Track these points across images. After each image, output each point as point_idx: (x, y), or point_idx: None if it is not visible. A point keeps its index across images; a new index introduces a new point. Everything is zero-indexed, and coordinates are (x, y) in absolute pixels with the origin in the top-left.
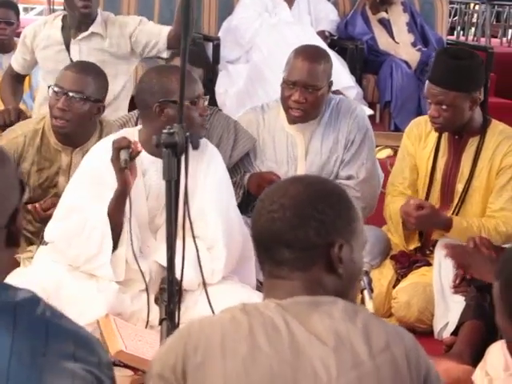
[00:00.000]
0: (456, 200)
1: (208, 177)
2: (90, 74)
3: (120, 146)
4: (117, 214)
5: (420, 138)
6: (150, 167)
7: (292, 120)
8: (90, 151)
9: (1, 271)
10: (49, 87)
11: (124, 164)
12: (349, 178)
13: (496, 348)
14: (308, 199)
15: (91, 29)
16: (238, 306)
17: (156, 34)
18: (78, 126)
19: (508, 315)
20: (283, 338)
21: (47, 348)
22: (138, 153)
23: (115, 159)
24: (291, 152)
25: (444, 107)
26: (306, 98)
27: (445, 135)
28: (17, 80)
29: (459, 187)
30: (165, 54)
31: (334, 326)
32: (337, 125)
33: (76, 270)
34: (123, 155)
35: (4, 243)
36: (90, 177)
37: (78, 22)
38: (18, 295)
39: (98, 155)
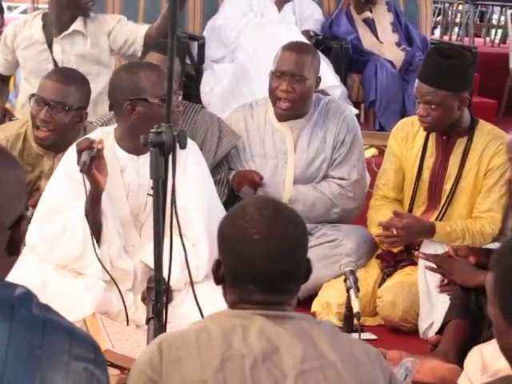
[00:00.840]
0: (443, 200)
1: (187, 174)
2: (72, 83)
3: (80, 149)
4: (93, 214)
5: (407, 139)
6: (127, 165)
7: (280, 115)
8: (67, 151)
9: (1, 275)
10: (30, 97)
11: (81, 166)
12: (341, 179)
13: (474, 352)
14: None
15: (73, 27)
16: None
17: (134, 33)
18: (61, 135)
19: (500, 308)
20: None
21: (43, 341)
22: (99, 151)
23: (77, 162)
24: (280, 146)
25: (433, 106)
26: (293, 88)
27: (432, 136)
28: (1, 80)
29: (447, 188)
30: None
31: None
32: (325, 125)
33: (63, 268)
34: (83, 157)
35: (5, 250)
36: (67, 176)
37: (61, 18)
38: (15, 292)
39: (74, 154)
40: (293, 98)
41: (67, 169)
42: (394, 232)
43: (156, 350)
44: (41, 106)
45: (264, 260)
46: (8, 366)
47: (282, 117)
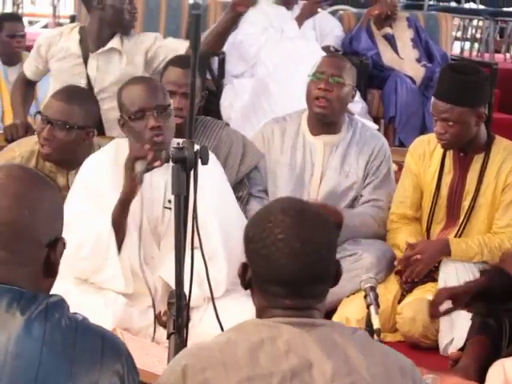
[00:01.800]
0: (462, 217)
1: (206, 186)
2: (75, 102)
3: (137, 156)
4: (120, 223)
5: (424, 157)
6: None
7: (314, 120)
8: (82, 167)
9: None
10: (35, 114)
11: (139, 176)
12: (376, 200)
13: (497, 366)
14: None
15: (110, 44)
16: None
17: (173, 50)
18: (64, 153)
19: None
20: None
21: (76, 341)
22: (154, 167)
23: (129, 168)
24: (309, 158)
25: (450, 123)
26: (332, 87)
27: (449, 153)
28: (28, 85)
29: (465, 204)
30: None
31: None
32: (359, 147)
33: (83, 283)
34: (139, 166)
35: (42, 268)
36: (86, 191)
37: (100, 33)
38: (51, 298)
39: (91, 169)
40: (330, 97)
41: (88, 187)
42: (418, 257)
43: (180, 375)
44: (44, 124)
45: (289, 261)
46: (43, 362)
47: (314, 129)
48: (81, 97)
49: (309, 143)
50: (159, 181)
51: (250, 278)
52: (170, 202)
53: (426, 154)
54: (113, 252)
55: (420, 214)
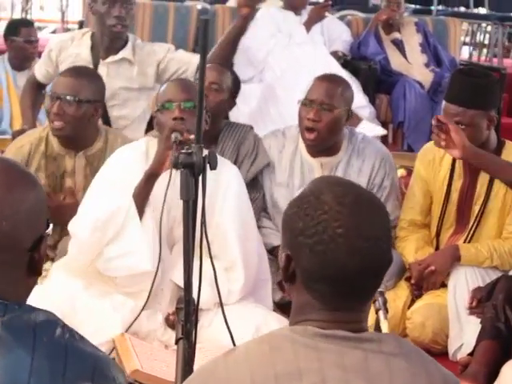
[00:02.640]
0: (471, 222)
1: (227, 197)
2: (83, 77)
3: (174, 128)
4: (141, 199)
5: (433, 163)
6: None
7: (309, 148)
8: (110, 158)
9: (23, 297)
10: (45, 93)
11: (174, 139)
12: None
13: (509, 366)
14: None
15: (121, 54)
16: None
17: (186, 62)
18: (76, 128)
19: None
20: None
21: (66, 369)
22: (189, 141)
23: (165, 138)
24: (308, 179)
25: (462, 127)
26: (320, 117)
27: None
28: (38, 88)
29: (476, 209)
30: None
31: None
32: (358, 166)
33: (91, 286)
34: (174, 136)
35: (25, 270)
36: (111, 182)
37: (108, 42)
38: (38, 317)
39: (120, 161)
40: (319, 127)
41: (111, 176)
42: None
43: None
44: (54, 100)
45: (349, 259)
46: None
47: (312, 150)
48: (88, 73)
49: (307, 164)
50: (177, 183)
51: (294, 271)
52: None
53: (436, 159)
54: (135, 222)
55: (429, 220)
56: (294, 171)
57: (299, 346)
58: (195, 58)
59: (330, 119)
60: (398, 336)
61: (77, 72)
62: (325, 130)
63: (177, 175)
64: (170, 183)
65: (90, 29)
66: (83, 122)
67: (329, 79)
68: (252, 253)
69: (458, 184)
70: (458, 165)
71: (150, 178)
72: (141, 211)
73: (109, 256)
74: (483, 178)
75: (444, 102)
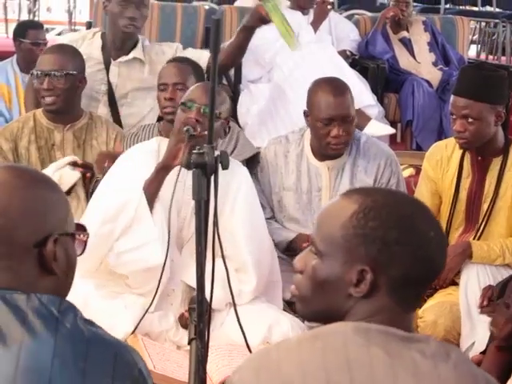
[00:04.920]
0: (480, 220)
1: (238, 198)
2: (66, 53)
3: (187, 122)
4: (152, 192)
5: (441, 162)
6: (171, 177)
7: (331, 154)
8: (122, 155)
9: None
10: (31, 74)
11: (186, 130)
12: None
13: None
14: None
15: (133, 54)
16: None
17: (197, 58)
18: (65, 100)
19: None
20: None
21: (88, 354)
22: (201, 136)
23: (177, 131)
24: (315, 183)
25: (470, 120)
26: (344, 130)
27: (467, 157)
28: None
29: (485, 207)
30: None
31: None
32: (364, 167)
33: (104, 287)
34: (186, 129)
35: (38, 269)
36: (120, 181)
37: (119, 42)
38: (61, 306)
39: (132, 158)
40: (346, 139)
41: (122, 171)
42: None
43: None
44: (42, 78)
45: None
46: (54, 375)
47: (332, 156)
48: (69, 48)
49: (313, 167)
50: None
51: (373, 283)
52: None
53: (444, 159)
54: (146, 215)
55: (438, 219)
56: (302, 175)
57: (351, 338)
58: (203, 55)
59: (352, 129)
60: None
61: (58, 48)
62: (349, 139)
63: (187, 174)
64: (177, 180)
65: (101, 29)
66: (71, 93)
67: (337, 91)
68: (264, 254)
69: (466, 183)
70: (466, 164)
71: (161, 170)
72: (151, 205)
73: (119, 250)
74: (491, 177)
75: (452, 97)
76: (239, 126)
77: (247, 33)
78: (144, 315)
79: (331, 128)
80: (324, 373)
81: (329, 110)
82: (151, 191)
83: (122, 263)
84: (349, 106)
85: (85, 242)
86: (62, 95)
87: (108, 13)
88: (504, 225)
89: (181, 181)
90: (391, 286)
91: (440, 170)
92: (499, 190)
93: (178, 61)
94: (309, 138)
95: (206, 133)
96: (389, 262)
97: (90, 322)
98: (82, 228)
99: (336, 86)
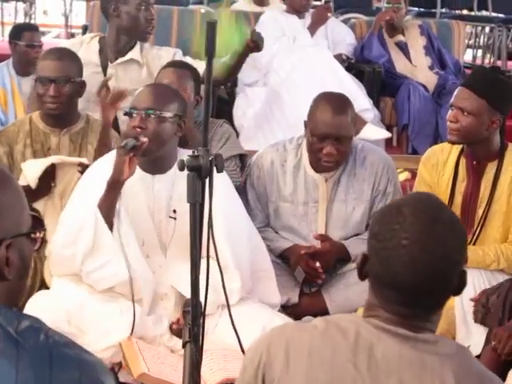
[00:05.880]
0: (476, 225)
1: (214, 197)
2: (68, 58)
3: (127, 134)
4: (107, 208)
5: (437, 166)
6: (141, 184)
7: (320, 169)
8: (89, 169)
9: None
10: (36, 80)
11: (126, 146)
12: None
13: None
14: None
15: (130, 55)
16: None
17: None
18: (67, 106)
19: None
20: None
21: (52, 377)
22: (143, 144)
23: (118, 146)
24: (312, 194)
25: (465, 113)
26: (337, 149)
27: (463, 161)
28: None
29: (480, 212)
30: None
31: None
32: (361, 175)
33: (98, 292)
34: (128, 141)
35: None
36: (84, 195)
37: (123, 43)
38: (20, 325)
39: (94, 172)
40: (337, 158)
41: (88, 187)
42: None
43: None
44: (47, 84)
45: (407, 271)
46: None
47: (323, 170)
48: (70, 53)
49: (311, 179)
50: (160, 189)
51: (367, 271)
52: (174, 211)
53: (439, 163)
54: (105, 233)
55: None
56: (298, 187)
57: (361, 327)
58: (201, 64)
59: (347, 148)
60: (454, 340)
61: (61, 54)
62: (342, 158)
63: (152, 180)
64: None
65: (99, 33)
66: (73, 99)
67: (336, 110)
68: (243, 251)
69: (461, 187)
70: (462, 168)
71: (112, 186)
72: (109, 221)
73: (87, 270)
74: (487, 181)
75: (459, 87)
76: (235, 129)
77: (241, 57)
78: (134, 322)
79: (324, 145)
80: (331, 353)
81: (324, 127)
82: (106, 208)
83: (93, 281)
84: (346, 126)
85: (42, 239)
86: (65, 102)
87: (121, 16)
88: (499, 230)
89: (149, 187)
90: (372, 280)
91: (436, 174)
92: (494, 195)
93: (176, 66)
94: (306, 150)
95: (145, 139)
96: (370, 252)
97: (56, 338)
98: (39, 222)
99: (337, 104)
